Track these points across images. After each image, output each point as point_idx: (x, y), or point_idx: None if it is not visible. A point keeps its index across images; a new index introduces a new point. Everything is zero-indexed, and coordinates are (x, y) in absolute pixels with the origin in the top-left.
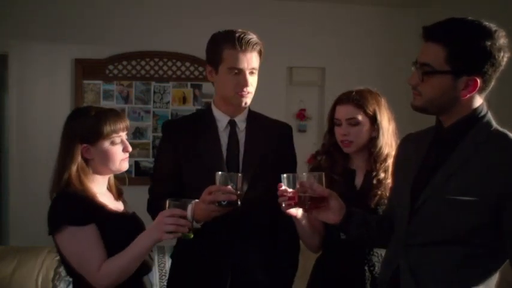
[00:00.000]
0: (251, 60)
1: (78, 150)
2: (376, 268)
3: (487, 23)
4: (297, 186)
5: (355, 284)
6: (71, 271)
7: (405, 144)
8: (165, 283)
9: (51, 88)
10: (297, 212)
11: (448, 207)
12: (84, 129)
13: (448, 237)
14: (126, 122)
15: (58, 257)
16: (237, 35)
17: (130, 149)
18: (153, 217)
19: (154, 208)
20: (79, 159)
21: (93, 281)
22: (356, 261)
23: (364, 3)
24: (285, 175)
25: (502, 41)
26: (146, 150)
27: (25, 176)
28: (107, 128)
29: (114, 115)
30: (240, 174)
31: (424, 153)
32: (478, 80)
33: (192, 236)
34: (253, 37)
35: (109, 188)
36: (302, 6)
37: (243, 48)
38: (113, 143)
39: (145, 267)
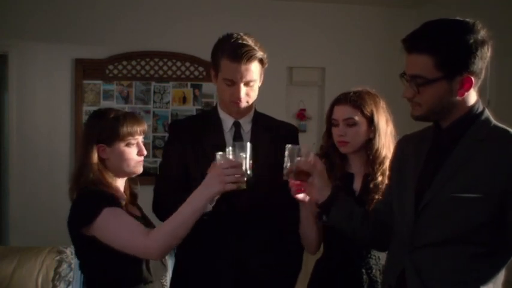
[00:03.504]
0: (246, 72)
1: (95, 150)
2: (374, 271)
3: (462, 19)
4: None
5: (352, 286)
6: (93, 273)
7: (403, 146)
8: (166, 283)
9: (51, 88)
10: (305, 197)
11: (453, 206)
12: (102, 130)
13: (454, 236)
14: (144, 126)
15: (58, 257)
16: (234, 45)
17: (145, 152)
18: (160, 217)
19: (161, 208)
20: (96, 158)
21: (144, 250)
22: (353, 264)
23: (364, 3)
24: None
25: (482, 32)
26: (146, 150)
27: (25, 176)
28: (124, 130)
29: (132, 118)
30: (249, 144)
31: (424, 156)
32: (472, 77)
33: (245, 186)
34: (250, 48)
35: (124, 192)
36: (302, 6)
37: (238, 60)
38: (128, 145)
39: (144, 278)
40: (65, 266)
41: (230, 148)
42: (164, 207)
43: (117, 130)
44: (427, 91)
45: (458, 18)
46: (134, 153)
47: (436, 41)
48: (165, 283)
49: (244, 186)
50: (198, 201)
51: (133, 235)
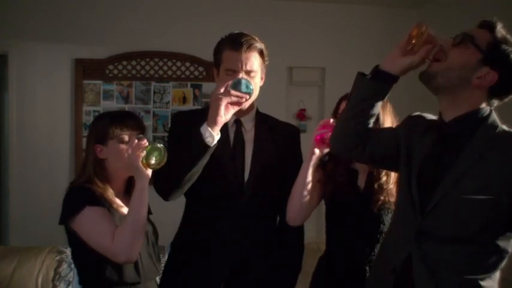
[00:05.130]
0: (247, 61)
1: (93, 151)
2: None
3: None
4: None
5: (355, 284)
6: (80, 264)
7: (411, 125)
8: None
9: (51, 88)
10: (322, 149)
11: (462, 206)
12: (97, 131)
13: (460, 234)
14: (136, 121)
15: (58, 257)
16: (234, 35)
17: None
18: (163, 193)
19: (169, 167)
20: (92, 159)
21: (111, 254)
22: (356, 261)
23: (364, 3)
24: None
25: None
26: None
27: (25, 176)
28: (113, 127)
29: (123, 115)
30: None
31: (427, 150)
32: (497, 76)
33: (157, 153)
34: (250, 37)
35: (126, 191)
36: (302, 6)
37: (239, 48)
38: (120, 141)
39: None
40: (65, 266)
41: None
42: (168, 173)
43: (108, 128)
44: (463, 48)
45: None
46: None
47: (504, 32)
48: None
49: (157, 152)
50: (135, 188)
51: (103, 238)
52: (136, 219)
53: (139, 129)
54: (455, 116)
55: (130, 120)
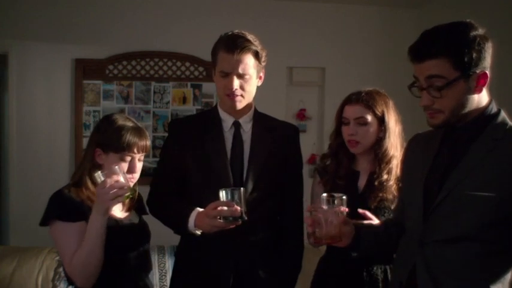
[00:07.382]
0: (239, 63)
1: (93, 152)
2: (374, 269)
3: (459, 21)
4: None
5: (353, 284)
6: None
7: (414, 144)
8: (165, 283)
9: (51, 88)
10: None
11: (466, 203)
12: (103, 136)
13: (465, 233)
14: (143, 143)
15: (58, 257)
16: (229, 36)
17: (135, 171)
18: (152, 214)
19: (157, 208)
20: (90, 160)
21: (69, 274)
22: (354, 262)
23: (364, 3)
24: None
25: (481, 29)
26: None
27: (25, 176)
28: (120, 142)
29: (134, 134)
30: (242, 189)
31: (435, 152)
32: (487, 72)
33: (132, 193)
34: (245, 39)
35: None
36: (302, 6)
37: (231, 50)
38: (121, 159)
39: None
40: None
41: (223, 192)
42: (155, 209)
43: (114, 140)
44: (448, 93)
45: (454, 21)
46: (125, 169)
47: (448, 41)
48: (165, 283)
49: (131, 195)
50: (93, 225)
51: (65, 258)
52: (90, 253)
53: (143, 150)
54: (465, 122)
55: (141, 142)
